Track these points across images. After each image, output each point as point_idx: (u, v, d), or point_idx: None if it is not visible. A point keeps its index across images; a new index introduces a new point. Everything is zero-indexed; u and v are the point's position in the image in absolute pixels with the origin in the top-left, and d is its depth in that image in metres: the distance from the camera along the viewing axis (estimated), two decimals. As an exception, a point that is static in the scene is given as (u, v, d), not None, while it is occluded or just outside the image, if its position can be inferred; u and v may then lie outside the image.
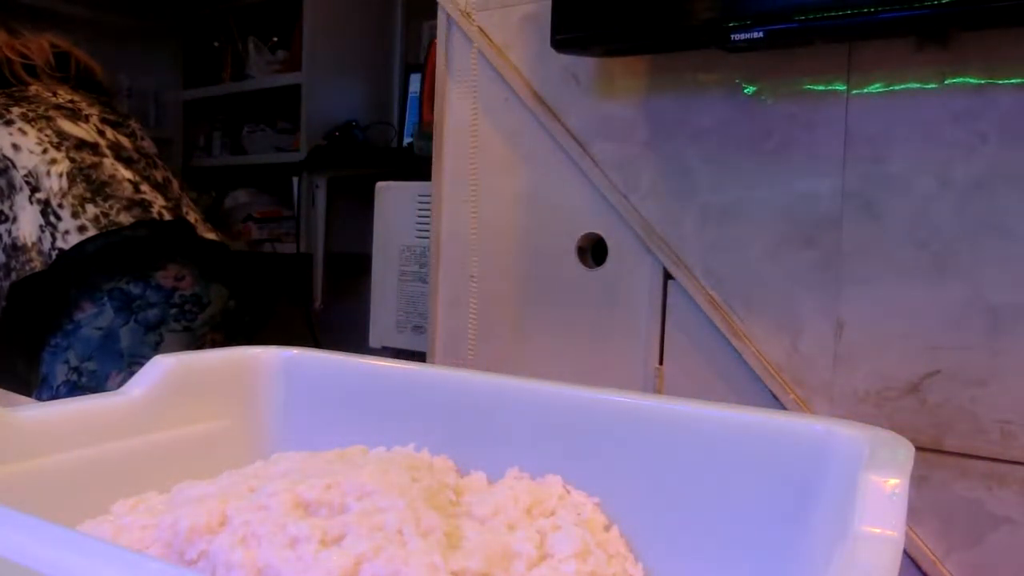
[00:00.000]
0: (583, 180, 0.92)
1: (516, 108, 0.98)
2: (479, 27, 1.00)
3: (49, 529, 0.30)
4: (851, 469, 0.38)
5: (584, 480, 0.51)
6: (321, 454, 0.56)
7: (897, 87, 0.74)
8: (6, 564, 0.28)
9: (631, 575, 0.47)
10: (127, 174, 1.35)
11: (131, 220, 1.28)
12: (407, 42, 2.33)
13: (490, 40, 0.99)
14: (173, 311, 1.33)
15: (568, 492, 0.51)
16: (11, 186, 1.28)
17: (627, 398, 0.51)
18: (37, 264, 1.23)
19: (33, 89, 1.41)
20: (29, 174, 1.28)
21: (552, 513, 0.49)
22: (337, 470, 0.50)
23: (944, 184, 0.71)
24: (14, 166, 1.28)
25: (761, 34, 0.70)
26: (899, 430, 0.42)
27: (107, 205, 1.28)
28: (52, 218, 1.25)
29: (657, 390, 0.87)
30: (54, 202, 1.26)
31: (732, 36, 0.72)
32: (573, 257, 0.94)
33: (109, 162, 1.35)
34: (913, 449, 0.40)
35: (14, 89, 1.40)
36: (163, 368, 0.56)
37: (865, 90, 0.75)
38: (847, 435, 0.42)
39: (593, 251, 0.95)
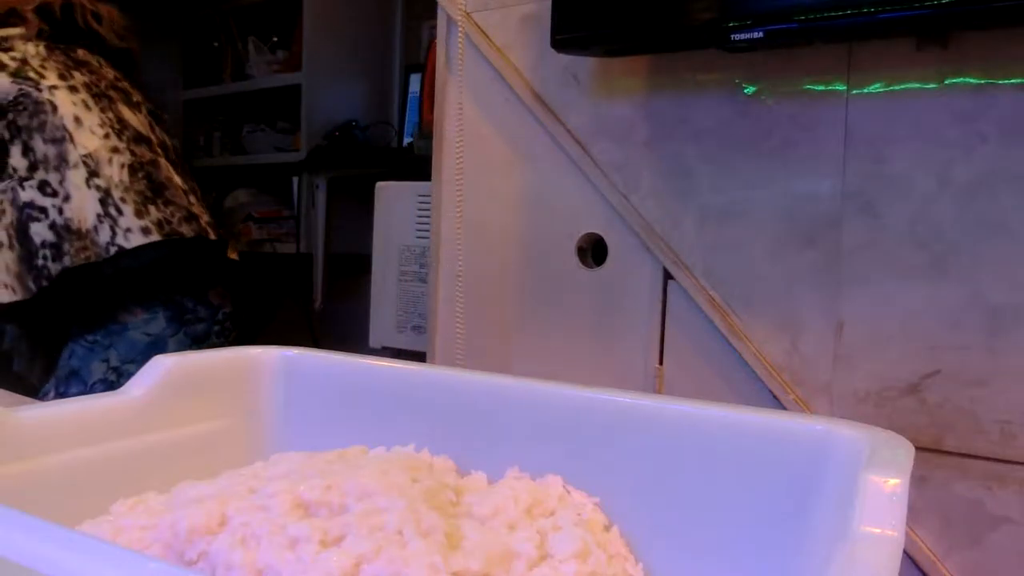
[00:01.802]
0: (583, 180, 0.92)
1: (516, 108, 0.98)
2: (479, 27, 1.00)
3: (49, 529, 0.30)
4: (851, 469, 0.38)
5: (584, 480, 0.51)
6: (321, 454, 0.56)
7: (897, 87, 0.74)
8: (6, 564, 0.28)
9: (631, 575, 0.47)
10: (179, 180, 1.33)
11: (192, 233, 1.27)
12: (407, 42, 2.33)
13: (490, 40, 0.99)
14: (216, 328, 1.34)
15: (568, 492, 0.51)
16: (62, 159, 1.21)
17: (627, 398, 0.51)
18: (91, 254, 1.18)
19: (81, 53, 1.34)
20: (89, 156, 1.22)
21: (552, 513, 0.49)
22: (337, 471, 0.50)
23: (944, 184, 0.71)
24: (71, 140, 1.22)
25: (761, 34, 0.70)
26: (899, 430, 0.42)
27: (168, 211, 1.26)
28: (112, 210, 1.21)
29: (657, 390, 0.87)
30: (115, 194, 1.22)
31: (732, 36, 0.72)
32: (573, 257, 0.94)
33: (164, 163, 1.32)
34: (913, 449, 0.40)
35: (64, 46, 1.31)
36: (163, 368, 0.56)
37: (865, 90, 0.75)
38: (847, 435, 0.42)
39: (593, 251, 0.95)
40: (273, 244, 2.31)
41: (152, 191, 1.26)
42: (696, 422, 0.48)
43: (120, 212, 1.21)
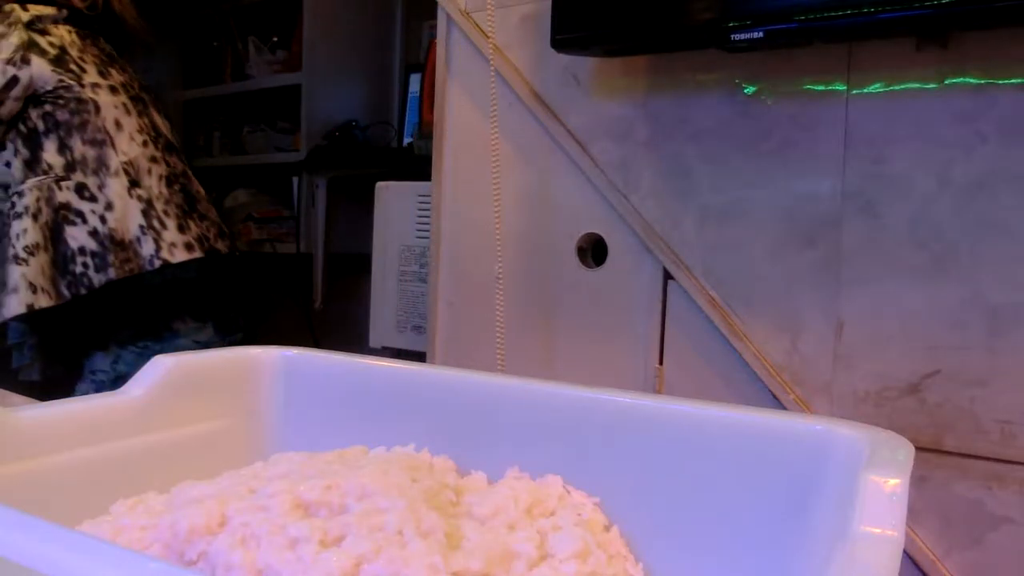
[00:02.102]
0: (583, 180, 0.92)
1: (516, 108, 0.98)
2: (479, 27, 1.00)
3: (49, 529, 0.30)
4: (851, 469, 0.38)
5: (584, 480, 0.51)
6: (321, 455, 0.56)
7: (897, 87, 0.74)
8: (6, 564, 0.28)
9: (631, 575, 0.47)
10: (203, 192, 1.35)
11: (226, 249, 1.30)
12: (407, 42, 2.33)
13: (490, 40, 0.99)
14: (248, 335, 1.39)
15: (568, 492, 0.51)
16: (102, 164, 1.19)
17: (627, 398, 0.51)
18: (134, 266, 1.18)
19: (101, 42, 1.31)
20: (129, 164, 1.20)
21: (552, 513, 0.49)
22: (337, 471, 0.50)
23: (944, 184, 0.71)
24: (112, 145, 1.20)
25: (761, 34, 0.70)
26: (899, 430, 0.42)
27: (204, 226, 1.27)
28: (156, 223, 1.20)
29: (657, 390, 0.87)
30: (158, 206, 1.21)
31: (732, 36, 0.72)
32: (573, 257, 0.94)
33: (190, 173, 1.34)
34: (913, 449, 0.40)
35: (91, 35, 1.28)
36: (163, 368, 0.56)
37: (865, 90, 0.75)
38: (847, 435, 0.42)
39: (593, 251, 0.94)
40: (273, 244, 2.31)
41: (188, 204, 1.27)
42: (696, 422, 0.48)
43: (164, 226, 1.21)
